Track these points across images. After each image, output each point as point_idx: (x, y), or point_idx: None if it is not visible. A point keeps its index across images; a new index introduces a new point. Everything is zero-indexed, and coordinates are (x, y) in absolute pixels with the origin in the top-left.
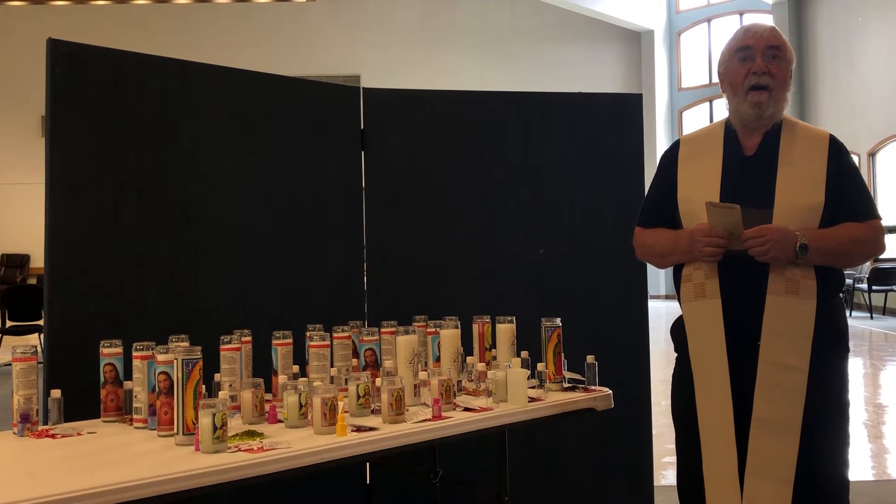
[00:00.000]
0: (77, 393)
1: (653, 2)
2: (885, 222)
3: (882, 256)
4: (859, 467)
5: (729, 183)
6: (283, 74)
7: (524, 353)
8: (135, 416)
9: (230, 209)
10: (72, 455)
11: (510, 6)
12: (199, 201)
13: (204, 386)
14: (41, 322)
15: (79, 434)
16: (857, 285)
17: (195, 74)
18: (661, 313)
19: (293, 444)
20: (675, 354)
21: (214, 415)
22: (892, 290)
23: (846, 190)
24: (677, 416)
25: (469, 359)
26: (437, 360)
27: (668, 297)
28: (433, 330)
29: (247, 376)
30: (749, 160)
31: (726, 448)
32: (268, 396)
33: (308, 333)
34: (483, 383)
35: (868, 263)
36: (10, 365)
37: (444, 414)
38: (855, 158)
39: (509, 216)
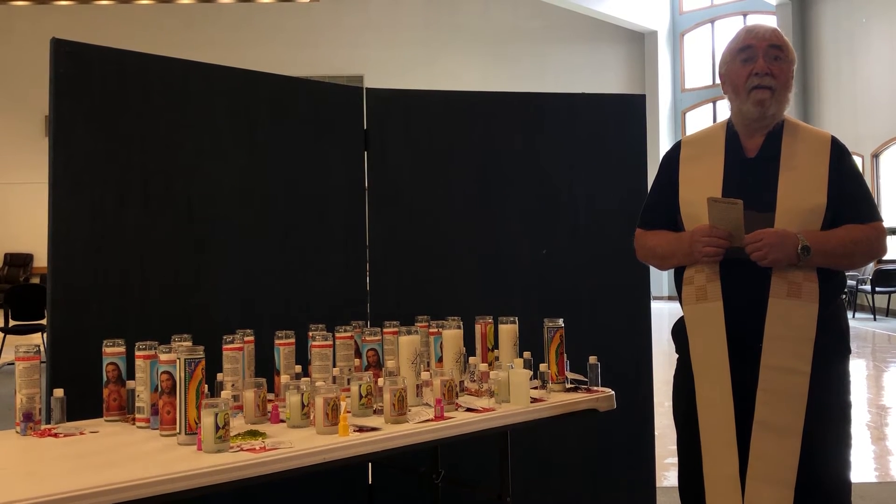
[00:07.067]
0: (80, 392)
1: (656, 3)
2: (888, 223)
3: (885, 258)
4: (862, 469)
5: (731, 185)
6: (286, 74)
7: (526, 354)
8: (137, 416)
9: (232, 208)
10: (74, 454)
11: (513, 7)
12: (202, 201)
13: (206, 385)
14: (44, 321)
15: (81, 433)
16: (860, 287)
17: (198, 74)
18: (664, 314)
19: (295, 443)
20: (677, 355)
21: (217, 414)
22: (895, 292)
23: (848, 192)
24: (678, 417)
25: (471, 359)
26: (440, 360)
27: (670, 298)
28: (436, 330)
29: (249, 376)
30: (751, 162)
31: (727, 451)
32: (270, 396)
33: (310, 333)
34: (485, 384)
35: (871, 265)
36: (13, 364)
37: (446, 414)
38: (858, 160)
39: (512, 217)
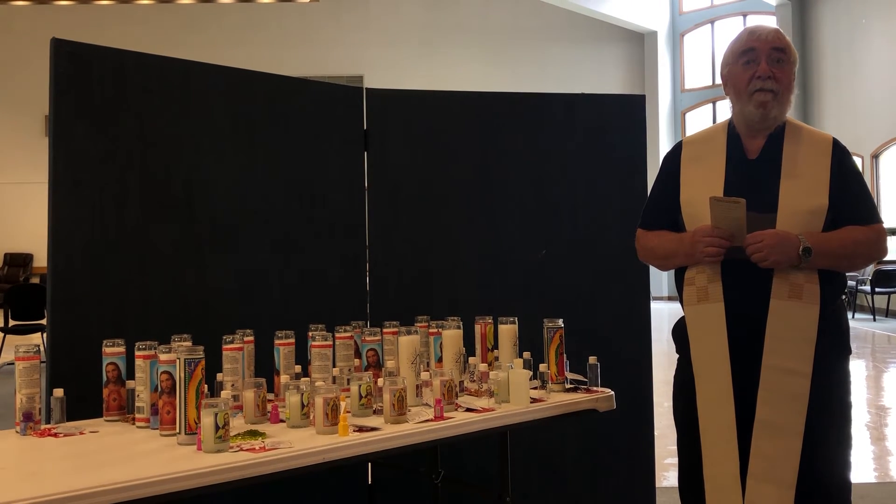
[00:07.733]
0: (80, 392)
1: (656, 3)
2: (888, 224)
3: (885, 259)
4: (862, 469)
5: (732, 186)
6: (286, 74)
7: (526, 354)
8: (137, 416)
9: (232, 209)
10: (74, 454)
11: (513, 7)
12: (202, 200)
13: (206, 385)
14: (44, 321)
15: (81, 433)
16: (860, 287)
17: (198, 74)
18: (664, 314)
19: (295, 443)
20: (677, 356)
21: (216, 414)
22: (895, 293)
23: (849, 193)
24: (679, 417)
25: (471, 359)
26: (440, 360)
27: (670, 299)
28: (435, 330)
29: (249, 376)
30: (752, 163)
31: (727, 451)
32: (270, 396)
33: (310, 333)
34: (485, 384)
35: (871, 266)
36: (13, 364)
37: (445, 414)
38: (858, 160)
39: (512, 216)
